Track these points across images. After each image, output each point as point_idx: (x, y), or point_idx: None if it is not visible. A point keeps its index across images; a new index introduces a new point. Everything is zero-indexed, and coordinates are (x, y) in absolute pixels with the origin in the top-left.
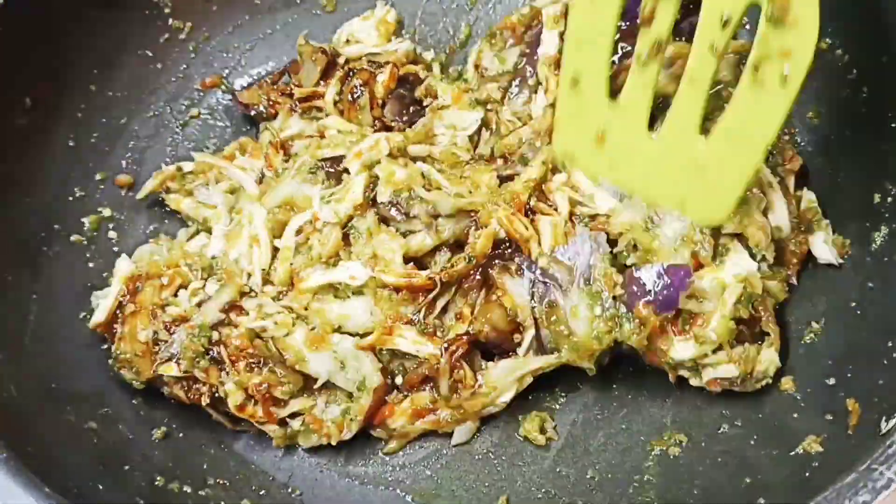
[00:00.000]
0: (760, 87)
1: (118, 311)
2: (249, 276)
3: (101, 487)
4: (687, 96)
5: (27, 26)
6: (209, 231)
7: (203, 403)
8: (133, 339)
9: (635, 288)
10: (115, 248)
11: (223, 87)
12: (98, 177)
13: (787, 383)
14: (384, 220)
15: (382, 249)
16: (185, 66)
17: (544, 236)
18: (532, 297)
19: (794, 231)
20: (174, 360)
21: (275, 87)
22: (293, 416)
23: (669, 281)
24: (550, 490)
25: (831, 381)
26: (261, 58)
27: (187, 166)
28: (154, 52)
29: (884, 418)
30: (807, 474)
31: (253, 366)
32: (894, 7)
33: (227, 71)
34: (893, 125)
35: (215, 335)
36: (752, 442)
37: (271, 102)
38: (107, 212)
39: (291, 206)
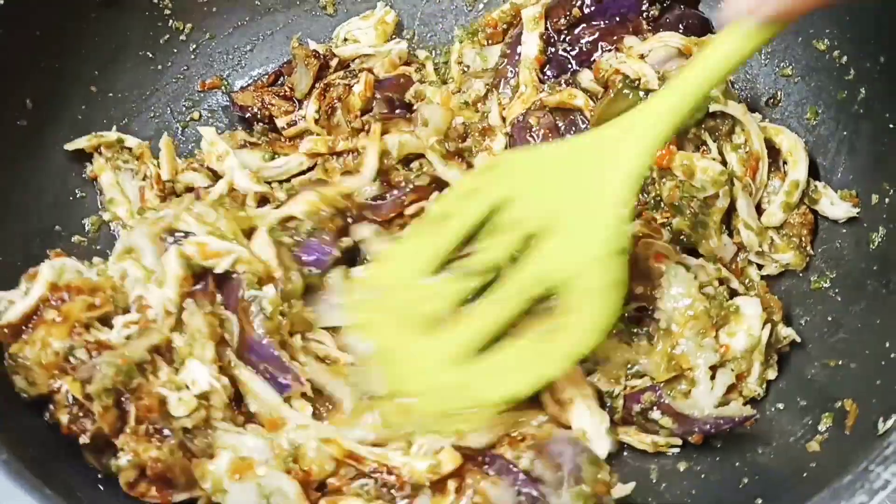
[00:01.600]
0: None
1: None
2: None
3: (101, 489)
4: (474, 322)
5: (27, 27)
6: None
7: (81, 441)
8: (45, 347)
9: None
10: None
11: (223, 88)
12: None
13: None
14: None
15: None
16: (185, 67)
17: None
18: None
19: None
20: (82, 381)
21: (270, 89)
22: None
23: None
24: None
25: (829, 382)
26: (261, 59)
27: (131, 141)
28: (154, 52)
29: (881, 419)
30: (804, 475)
31: (153, 433)
32: (892, 8)
33: (227, 72)
34: (891, 126)
35: (135, 381)
36: (750, 442)
37: (265, 105)
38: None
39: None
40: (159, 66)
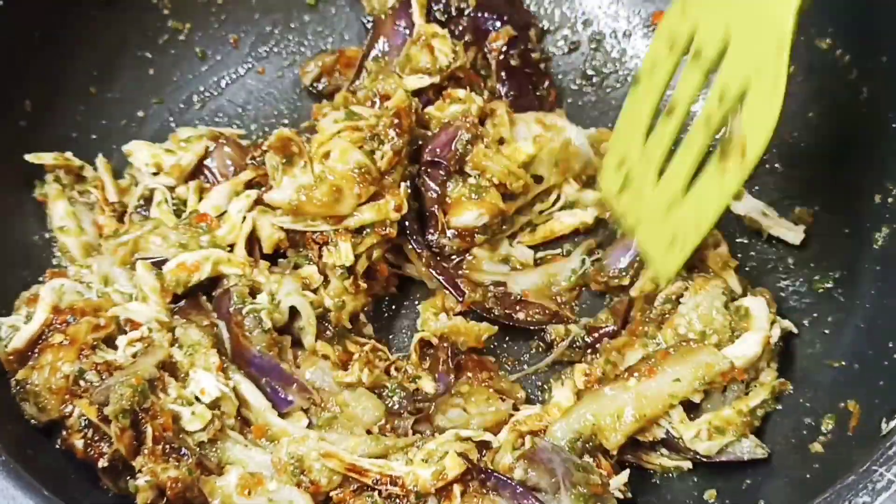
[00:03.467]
0: (722, 168)
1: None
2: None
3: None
4: (681, 160)
5: (26, 28)
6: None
7: (99, 465)
8: (53, 372)
9: None
10: None
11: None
12: None
13: (787, 385)
14: None
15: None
16: (184, 67)
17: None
18: None
19: None
20: (98, 404)
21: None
22: None
23: None
24: None
25: (832, 383)
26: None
27: (88, 171)
28: (153, 53)
29: (884, 420)
30: (807, 476)
31: (170, 452)
32: (894, 7)
33: (228, 72)
34: (894, 125)
35: (148, 400)
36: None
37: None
38: None
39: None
40: (158, 67)
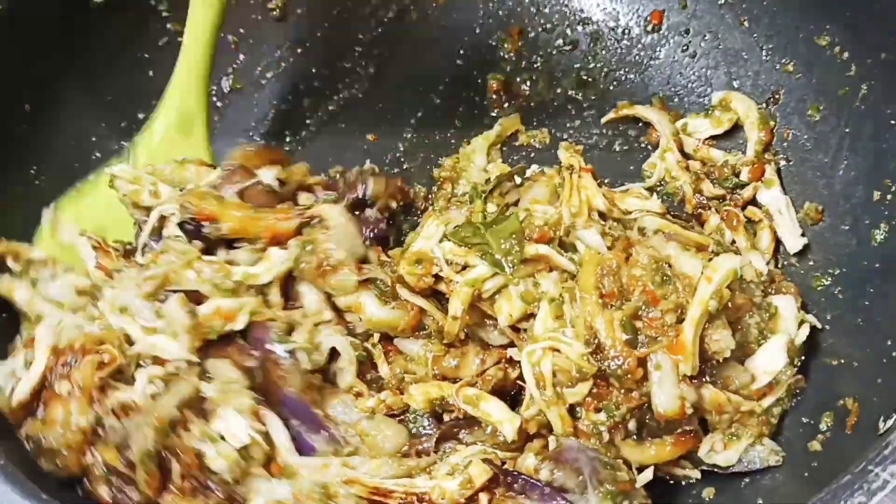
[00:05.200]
0: None
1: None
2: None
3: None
4: None
5: (25, 31)
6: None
7: None
8: (67, 427)
9: None
10: None
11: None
12: None
13: (801, 381)
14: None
15: None
16: None
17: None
18: None
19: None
20: (117, 447)
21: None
22: None
23: None
24: None
25: (831, 380)
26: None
27: (36, 253)
28: (152, 55)
29: (882, 418)
30: (805, 474)
31: (198, 490)
32: (893, 4)
33: (226, 73)
34: (892, 122)
35: (169, 439)
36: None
37: None
38: None
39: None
40: (157, 69)
